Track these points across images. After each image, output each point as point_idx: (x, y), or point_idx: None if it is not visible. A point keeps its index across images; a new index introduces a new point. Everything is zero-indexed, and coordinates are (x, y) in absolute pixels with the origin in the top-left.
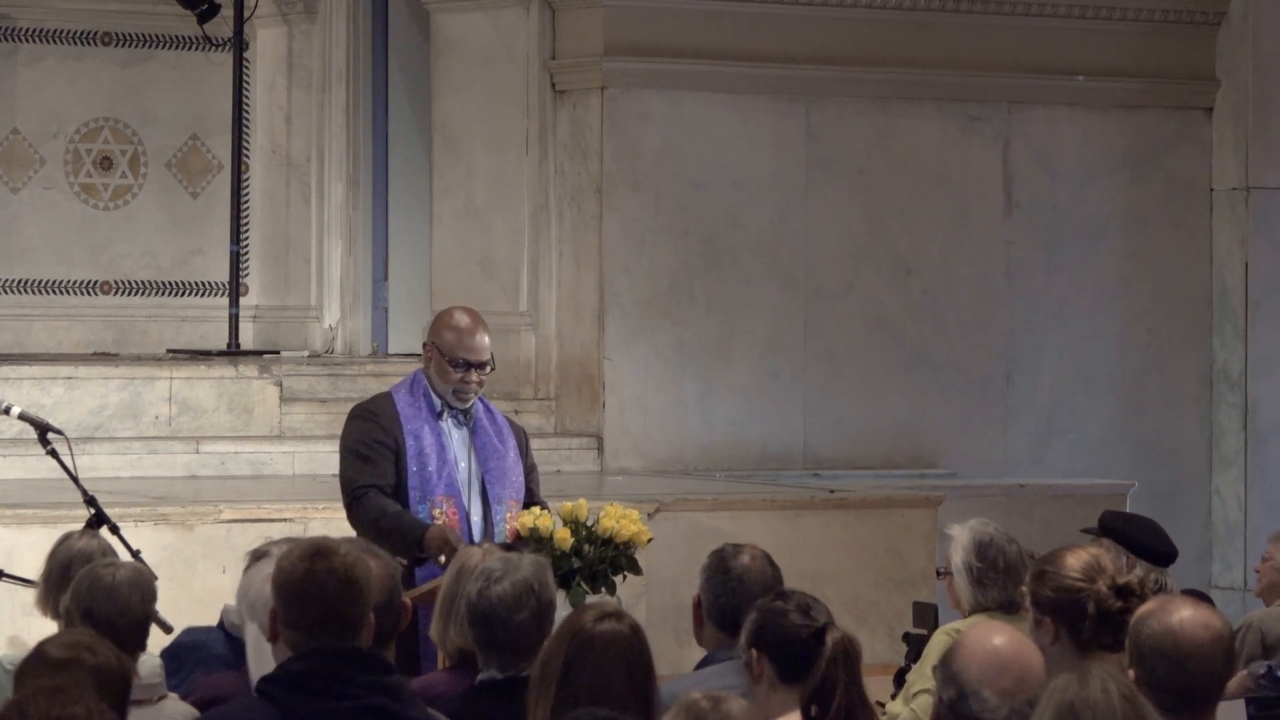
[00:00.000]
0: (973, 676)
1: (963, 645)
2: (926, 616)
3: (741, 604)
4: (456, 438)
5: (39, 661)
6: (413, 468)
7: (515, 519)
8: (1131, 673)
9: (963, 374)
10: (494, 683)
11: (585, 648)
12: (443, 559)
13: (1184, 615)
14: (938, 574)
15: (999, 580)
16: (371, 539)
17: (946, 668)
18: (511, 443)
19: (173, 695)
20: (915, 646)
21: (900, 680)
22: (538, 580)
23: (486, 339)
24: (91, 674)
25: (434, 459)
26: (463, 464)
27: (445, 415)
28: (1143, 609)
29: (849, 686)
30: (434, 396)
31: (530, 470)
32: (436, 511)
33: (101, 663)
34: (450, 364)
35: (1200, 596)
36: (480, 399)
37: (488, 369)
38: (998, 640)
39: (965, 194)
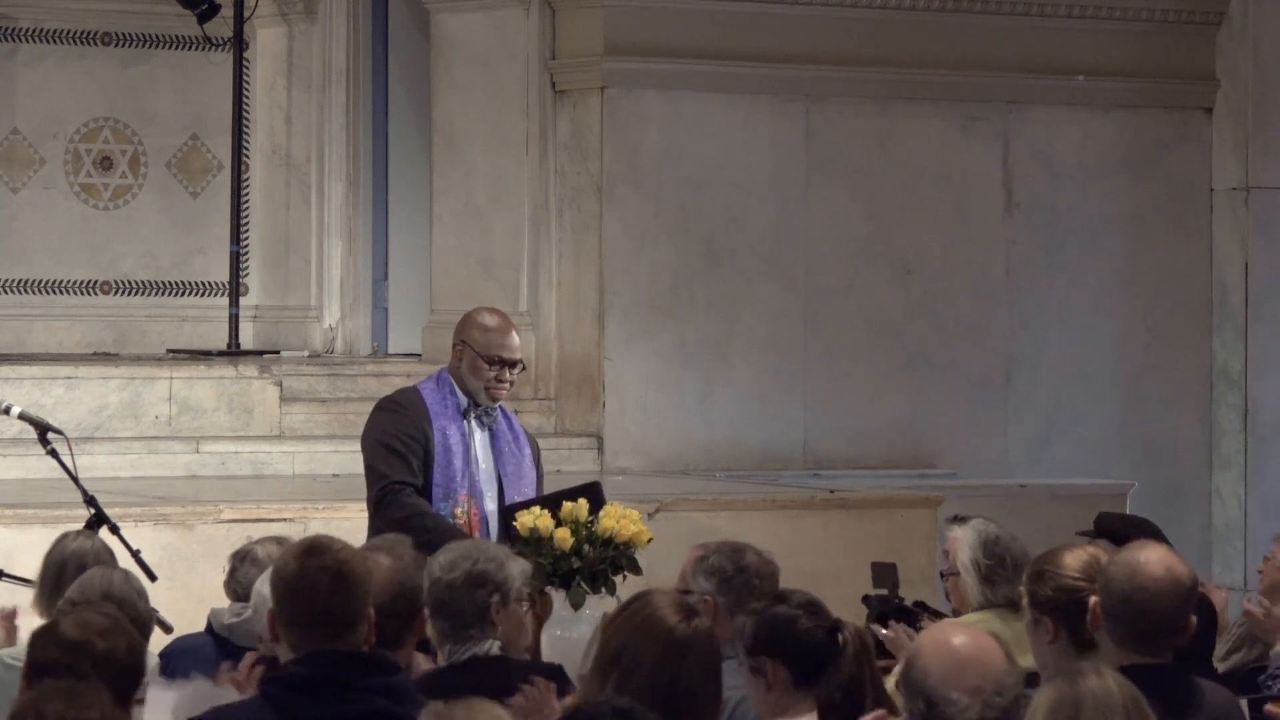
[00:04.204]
0: (936, 681)
1: (920, 653)
2: (886, 577)
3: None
4: (479, 439)
5: (51, 634)
6: (438, 464)
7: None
8: (1094, 600)
9: (963, 374)
10: (437, 672)
11: (676, 648)
12: None
13: (1151, 555)
14: (941, 576)
15: (1007, 576)
16: (399, 533)
17: (909, 679)
18: (527, 450)
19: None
20: (876, 609)
21: None
22: (479, 551)
23: (518, 339)
24: (97, 660)
25: (459, 457)
26: (484, 465)
27: (470, 415)
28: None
29: (872, 680)
30: (460, 395)
31: (539, 479)
32: (459, 510)
33: (111, 649)
34: (485, 361)
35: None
36: (501, 405)
37: (519, 368)
38: (955, 640)
39: (965, 194)
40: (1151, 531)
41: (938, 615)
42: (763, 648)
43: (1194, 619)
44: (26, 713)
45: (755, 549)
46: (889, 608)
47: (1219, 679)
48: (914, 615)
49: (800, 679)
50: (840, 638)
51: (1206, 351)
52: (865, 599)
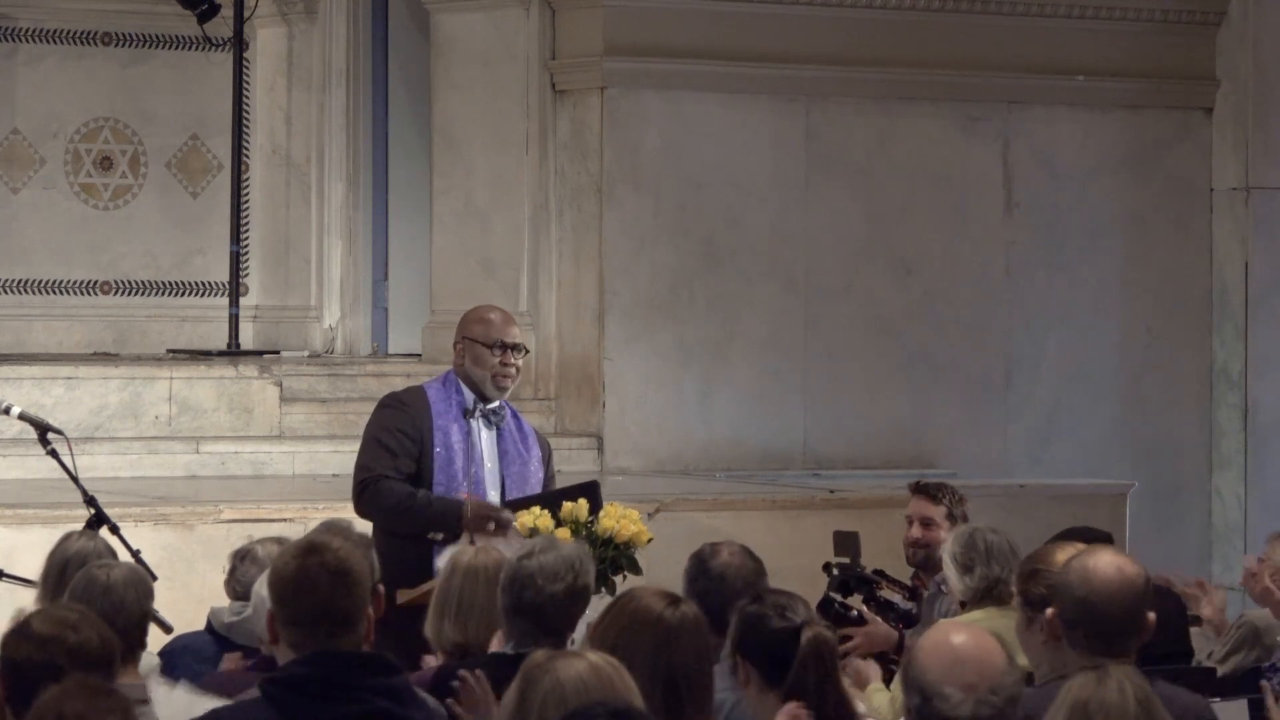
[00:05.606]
0: (933, 677)
1: (921, 648)
2: (848, 545)
3: (727, 600)
4: (485, 438)
5: (23, 633)
6: (439, 462)
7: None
8: (1050, 612)
9: (963, 374)
10: (500, 658)
11: (667, 634)
12: (492, 526)
13: (1100, 559)
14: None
15: (982, 559)
16: (391, 520)
17: (908, 673)
18: (535, 451)
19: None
20: (837, 577)
21: (823, 606)
22: (579, 560)
23: (517, 329)
24: (70, 652)
25: (460, 456)
26: (488, 464)
27: (475, 414)
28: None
29: (820, 684)
30: (466, 393)
31: (549, 481)
32: None
33: (82, 641)
34: (488, 347)
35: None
36: (509, 406)
37: (523, 352)
38: (955, 638)
39: (965, 194)
40: (1082, 531)
41: (896, 584)
42: (737, 647)
43: (1152, 616)
44: (47, 711)
45: (732, 547)
46: (850, 576)
47: (1214, 679)
48: (873, 584)
49: (770, 678)
50: (801, 640)
51: (1206, 351)
52: (826, 567)
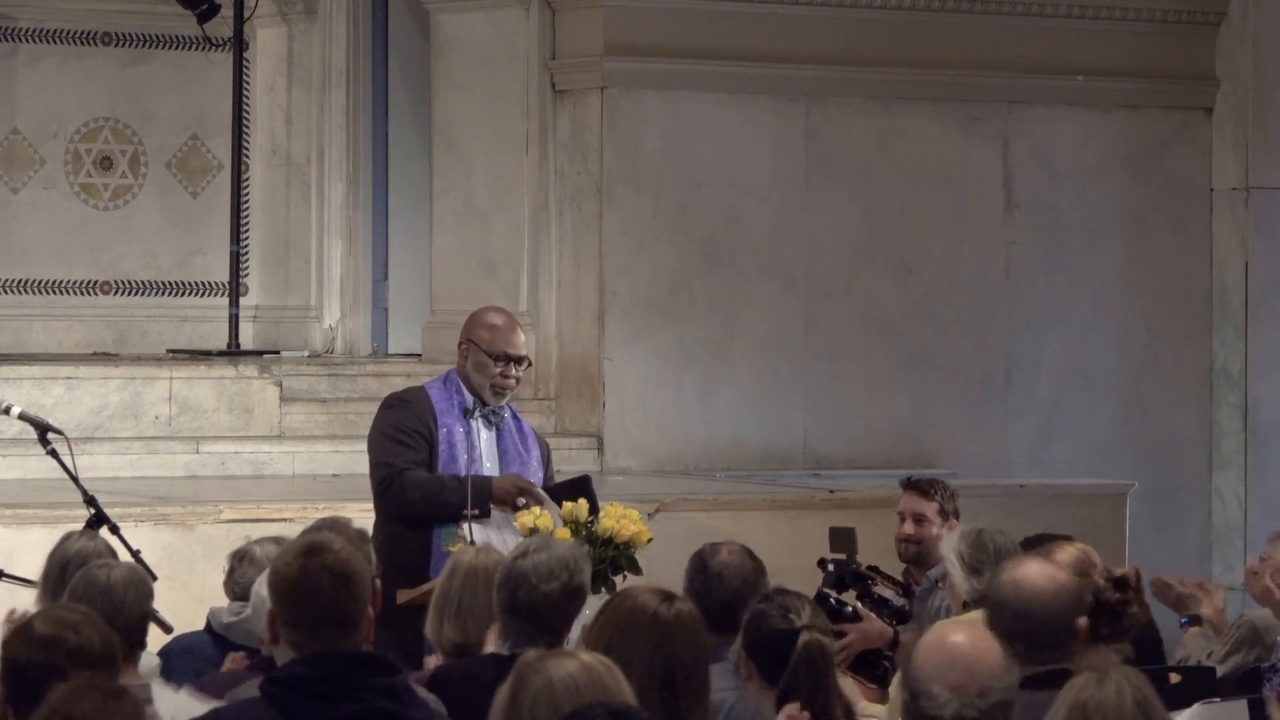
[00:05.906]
0: (924, 675)
1: (919, 646)
2: (844, 541)
3: (724, 599)
4: (485, 438)
5: (24, 633)
6: (442, 461)
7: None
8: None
9: (963, 374)
10: (496, 658)
11: (662, 631)
12: (523, 500)
13: (1029, 569)
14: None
15: (991, 562)
16: (420, 508)
17: (905, 670)
18: (535, 452)
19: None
20: (832, 573)
21: (818, 602)
22: (573, 560)
23: (523, 336)
24: (71, 653)
25: (462, 455)
26: (488, 464)
27: (475, 414)
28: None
29: (813, 691)
30: (466, 394)
31: (548, 481)
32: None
33: (84, 643)
34: (491, 357)
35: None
36: (509, 406)
37: (525, 364)
38: (952, 638)
39: (965, 194)
40: (1041, 537)
41: (890, 580)
42: (742, 641)
43: (1083, 621)
44: (57, 713)
45: (733, 546)
46: (845, 572)
47: (1214, 679)
48: (868, 579)
49: (768, 676)
50: (797, 642)
51: (1206, 351)
52: (821, 563)
